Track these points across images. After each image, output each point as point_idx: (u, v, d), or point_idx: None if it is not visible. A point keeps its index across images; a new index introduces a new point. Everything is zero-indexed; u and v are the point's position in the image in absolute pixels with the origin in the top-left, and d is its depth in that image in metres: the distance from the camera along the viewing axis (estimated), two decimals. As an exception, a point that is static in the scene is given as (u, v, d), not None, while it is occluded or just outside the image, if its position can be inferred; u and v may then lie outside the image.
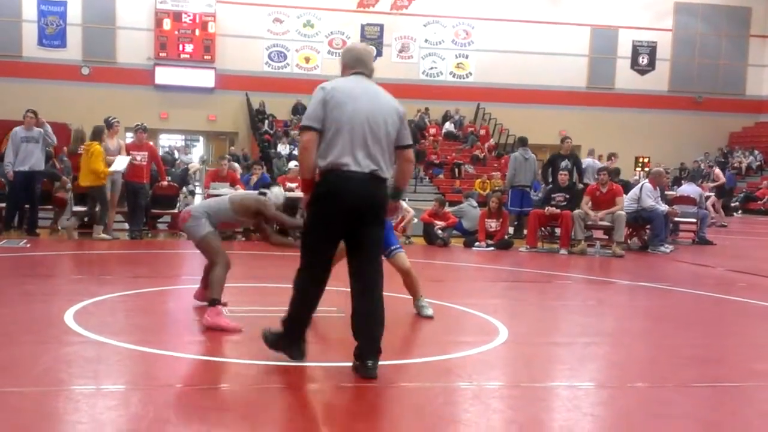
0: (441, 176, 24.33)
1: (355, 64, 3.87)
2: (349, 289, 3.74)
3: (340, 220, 3.65)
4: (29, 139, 10.15)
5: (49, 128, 10.50)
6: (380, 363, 3.63)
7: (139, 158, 10.40)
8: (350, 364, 3.69)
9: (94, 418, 3.01)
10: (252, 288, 6.31)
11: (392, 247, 5.21)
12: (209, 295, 4.72)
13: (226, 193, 10.77)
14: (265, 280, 6.63)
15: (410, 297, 5.35)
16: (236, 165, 14.47)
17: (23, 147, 10.11)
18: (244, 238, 10.97)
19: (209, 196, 10.91)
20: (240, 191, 5.10)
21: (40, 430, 2.87)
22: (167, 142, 27.50)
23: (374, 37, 27.96)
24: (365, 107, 3.67)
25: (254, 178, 11.49)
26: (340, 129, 3.62)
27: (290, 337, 3.80)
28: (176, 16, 25.83)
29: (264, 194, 5.00)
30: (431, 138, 26.40)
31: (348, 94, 3.68)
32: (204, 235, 4.78)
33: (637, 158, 28.77)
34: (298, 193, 11.44)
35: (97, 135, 10.15)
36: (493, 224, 10.84)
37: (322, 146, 3.65)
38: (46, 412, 3.08)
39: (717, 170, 19.38)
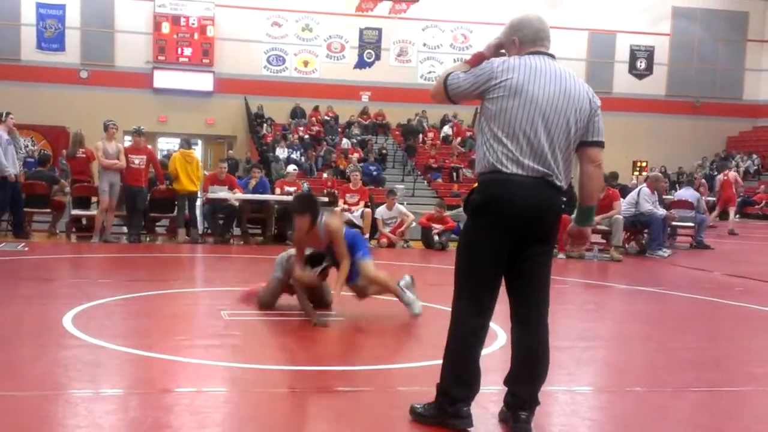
0: (439, 180, 24.34)
1: (535, 41, 2.98)
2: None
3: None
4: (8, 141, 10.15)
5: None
6: (378, 367, 3.62)
7: (137, 162, 10.40)
8: (350, 368, 3.68)
9: (93, 422, 3.01)
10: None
11: (360, 253, 5.12)
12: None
13: (225, 196, 10.83)
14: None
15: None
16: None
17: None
18: (242, 242, 10.97)
19: (208, 200, 10.93)
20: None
21: (38, 434, 2.87)
22: (166, 145, 27.49)
23: (372, 41, 28.02)
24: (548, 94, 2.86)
25: (253, 182, 11.49)
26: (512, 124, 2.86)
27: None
28: (175, 20, 25.87)
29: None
30: (429, 142, 26.43)
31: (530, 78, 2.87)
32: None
33: (634, 162, 28.82)
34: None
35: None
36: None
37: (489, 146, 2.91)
38: (44, 416, 3.08)
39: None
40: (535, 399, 3.00)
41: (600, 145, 2.97)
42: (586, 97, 2.93)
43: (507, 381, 3.05)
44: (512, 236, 2.89)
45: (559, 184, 2.90)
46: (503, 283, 3.04)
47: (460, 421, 2.98)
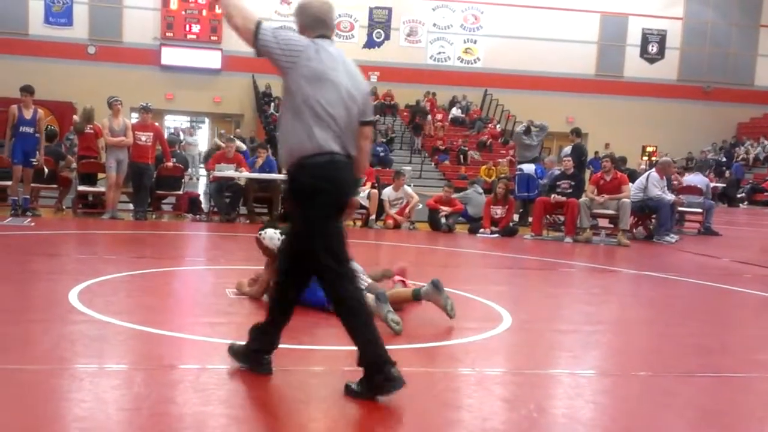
0: (446, 162, 24.26)
1: (316, 25, 3.26)
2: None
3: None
4: None
5: None
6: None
7: (144, 139, 10.39)
8: (353, 348, 3.68)
9: (98, 397, 3.02)
10: (254, 271, 6.31)
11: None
12: None
13: (232, 175, 10.83)
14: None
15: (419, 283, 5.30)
16: (241, 144, 14.31)
17: None
18: (248, 221, 10.98)
19: (215, 178, 10.92)
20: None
21: (44, 408, 2.88)
22: (172, 123, 27.48)
23: (382, 20, 27.82)
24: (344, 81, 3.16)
25: (260, 161, 11.47)
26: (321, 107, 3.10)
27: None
28: (184, -5, 25.71)
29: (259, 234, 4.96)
30: (438, 123, 26.30)
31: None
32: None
33: (644, 147, 28.66)
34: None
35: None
36: (498, 211, 10.82)
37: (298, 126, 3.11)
38: (50, 390, 3.09)
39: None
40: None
41: (373, 123, 3.41)
42: (364, 80, 3.29)
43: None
44: (337, 212, 3.18)
45: (354, 159, 3.22)
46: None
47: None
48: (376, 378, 3.05)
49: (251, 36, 3.09)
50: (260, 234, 4.92)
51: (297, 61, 3.09)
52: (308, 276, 3.29)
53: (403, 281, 5.28)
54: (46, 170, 10.55)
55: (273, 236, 4.91)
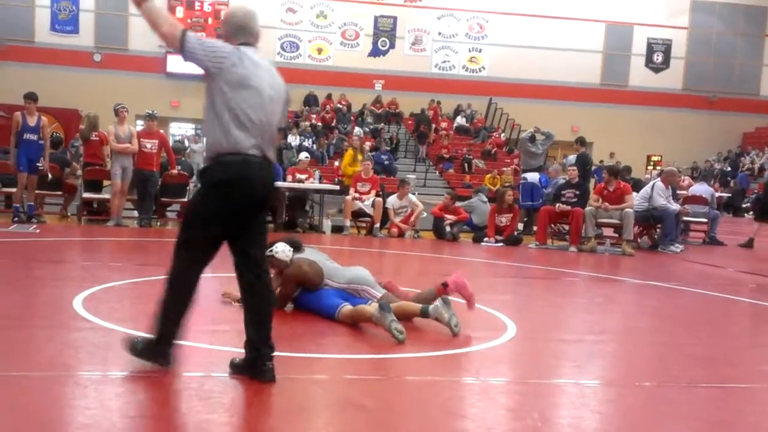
0: (451, 171, 24.28)
1: (239, 33, 3.42)
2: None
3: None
4: None
5: None
6: (387, 356, 3.62)
7: (149, 146, 10.42)
8: (357, 356, 3.68)
9: (102, 404, 3.02)
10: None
11: (339, 306, 4.68)
12: None
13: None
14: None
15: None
16: None
17: None
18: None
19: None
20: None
21: (48, 415, 2.88)
22: (178, 131, 27.54)
23: (387, 29, 27.92)
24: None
25: None
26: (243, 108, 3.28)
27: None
28: (189, 4, 25.89)
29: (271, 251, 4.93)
30: (443, 132, 26.33)
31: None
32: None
33: (649, 156, 28.64)
34: (308, 185, 11.47)
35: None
36: (503, 219, 10.81)
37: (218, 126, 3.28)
38: (54, 397, 3.09)
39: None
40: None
41: (283, 129, 3.46)
42: (285, 87, 3.48)
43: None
44: (247, 208, 3.35)
45: (273, 161, 3.44)
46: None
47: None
48: (157, 348, 3.38)
49: (178, 43, 3.24)
50: (272, 251, 4.90)
51: (222, 66, 3.25)
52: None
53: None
54: (50, 175, 10.57)
55: (285, 250, 4.94)
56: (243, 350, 3.45)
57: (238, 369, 3.42)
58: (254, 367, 3.35)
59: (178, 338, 3.44)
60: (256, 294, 3.40)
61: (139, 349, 3.43)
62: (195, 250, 3.37)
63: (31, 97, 10.04)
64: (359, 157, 12.26)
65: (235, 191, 3.27)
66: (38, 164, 10.03)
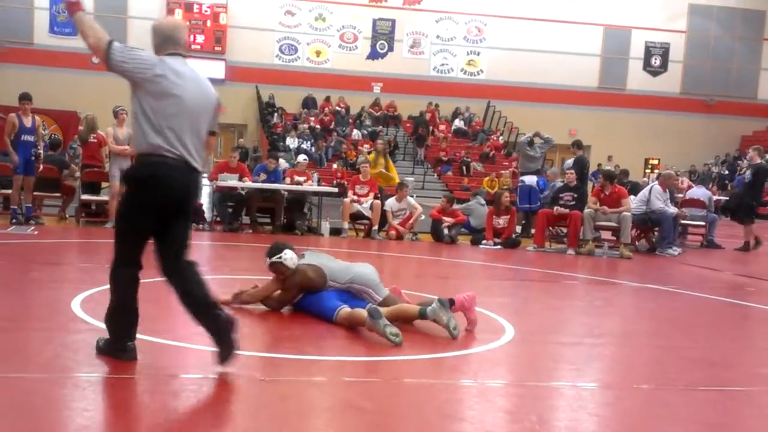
0: (449, 173, 24.29)
1: (166, 44, 3.56)
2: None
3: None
4: None
5: None
6: (385, 359, 3.62)
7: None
8: (356, 359, 3.68)
9: (100, 406, 3.02)
10: (258, 280, 6.31)
11: (338, 308, 4.66)
12: None
13: (234, 185, 10.85)
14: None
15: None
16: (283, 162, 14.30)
17: None
18: (251, 231, 10.98)
19: (219, 188, 10.94)
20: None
21: (46, 417, 2.88)
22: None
23: (386, 32, 27.97)
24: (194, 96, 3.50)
25: (272, 166, 11.53)
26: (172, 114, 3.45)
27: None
28: (188, 7, 25.89)
29: (279, 257, 4.94)
30: (441, 134, 26.35)
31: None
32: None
33: (647, 160, 28.69)
34: (307, 187, 11.47)
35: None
36: (500, 222, 10.82)
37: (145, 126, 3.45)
38: (52, 399, 3.09)
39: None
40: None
41: (215, 134, 3.79)
42: (214, 94, 3.63)
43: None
44: (166, 207, 3.49)
45: (196, 165, 3.53)
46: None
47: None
48: (115, 345, 3.58)
49: (103, 54, 3.45)
50: (281, 257, 4.90)
51: (144, 76, 3.42)
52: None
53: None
54: (41, 167, 10.44)
55: (293, 257, 4.95)
56: (245, 352, 3.46)
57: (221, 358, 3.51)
58: (222, 344, 3.48)
59: (133, 333, 3.61)
60: (186, 291, 3.62)
61: (100, 347, 3.65)
62: (126, 245, 3.60)
63: (26, 97, 10.02)
64: (381, 161, 12.28)
65: (151, 188, 3.44)
66: (32, 158, 9.94)
